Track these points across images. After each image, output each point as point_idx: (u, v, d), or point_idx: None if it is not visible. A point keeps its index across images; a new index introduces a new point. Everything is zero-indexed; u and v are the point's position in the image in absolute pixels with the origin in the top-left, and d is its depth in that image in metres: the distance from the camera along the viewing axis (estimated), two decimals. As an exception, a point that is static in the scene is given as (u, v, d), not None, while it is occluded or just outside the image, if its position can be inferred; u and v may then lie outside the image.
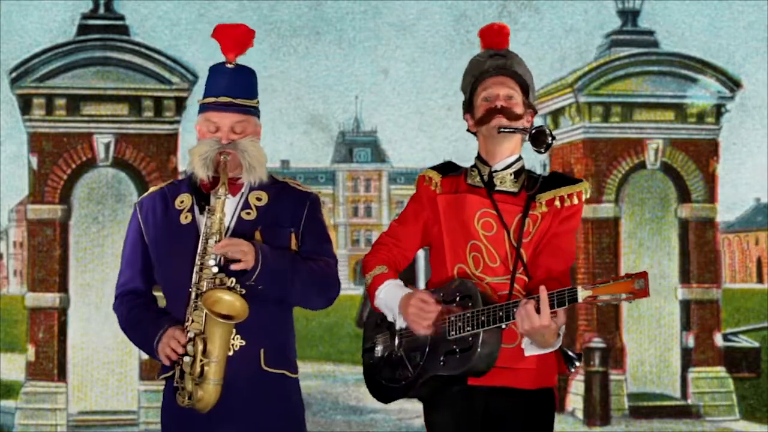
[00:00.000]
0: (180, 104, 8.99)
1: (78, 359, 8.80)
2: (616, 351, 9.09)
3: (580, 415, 8.96)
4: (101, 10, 8.99)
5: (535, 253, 3.84)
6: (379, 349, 3.99)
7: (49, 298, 8.84)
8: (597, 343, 8.97)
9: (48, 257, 8.89)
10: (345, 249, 9.83)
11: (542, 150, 3.74)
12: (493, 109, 3.85)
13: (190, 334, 3.68)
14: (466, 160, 4.07)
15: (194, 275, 3.72)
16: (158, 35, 8.94)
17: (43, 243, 8.88)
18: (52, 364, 8.78)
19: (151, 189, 3.98)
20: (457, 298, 3.76)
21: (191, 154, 3.80)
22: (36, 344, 8.80)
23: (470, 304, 3.71)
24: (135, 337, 3.89)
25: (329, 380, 8.91)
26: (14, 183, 8.93)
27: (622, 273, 3.59)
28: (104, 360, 8.79)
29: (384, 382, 3.95)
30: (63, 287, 8.86)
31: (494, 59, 3.91)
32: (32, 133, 8.92)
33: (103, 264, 8.82)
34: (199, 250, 3.73)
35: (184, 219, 3.82)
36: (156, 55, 8.95)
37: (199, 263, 3.72)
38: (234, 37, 3.87)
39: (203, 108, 3.84)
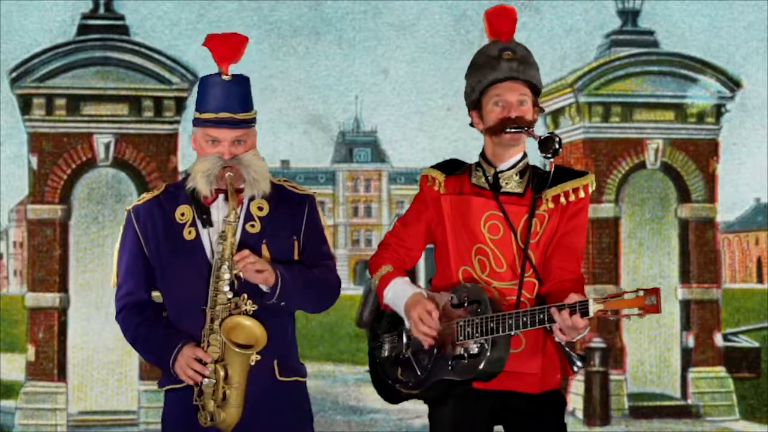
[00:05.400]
0: (180, 104, 8.99)
1: (78, 359, 8.80)
2: (616, 351, 9.09)
3: (580, 415, 8.96)
4: (101, 10, 8.98)
5: (546, 256, 3.82)
6: (386, 348, 3.99)
7: (49, 298, 8.84)
8: (597, 343, 8.97)
9: (48, 257, 8.88)
10: (345, 249, 9.82)
11: (549, 156, 3.71)
12: (507, 119, 3.80)
13: (210, 359, 3.69)
14: (466, 160, 4.06)
15: (209, 299, 3.72)
16: (158, 35, 8.93)
17: (43, 243, 8.88)
18: (52, 364, 8.78)
19: (144, 196, 3.93)
20: (466, 303, 3.75)
21: (193, 171, 3.78)
22: (36, 344, 8.79)
23: (479, 309, 3.70)
24: (146, 353, 3.89)
25: (329, 380, 8.91)
26: (14, 183, 8.93)
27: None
28: (104, 360, 8.79)
29: (390, 382, 3.96)
30: (63, 287, 8.86)
31: (506, 59, 3.82)
32: (32, 133, 8.92)
33: (103, 264, 8.81)
34: (212, 278, 3.72)
35: (188, 235, 3.81)
36: (156, 55, 8.94)
37: (213, 289, 3.71)
38: (228, 46, 3.82)
39: (201, 122, 3.79)
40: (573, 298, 3.57)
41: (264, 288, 3.75)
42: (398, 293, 3.87)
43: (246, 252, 3.70)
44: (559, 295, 3.66)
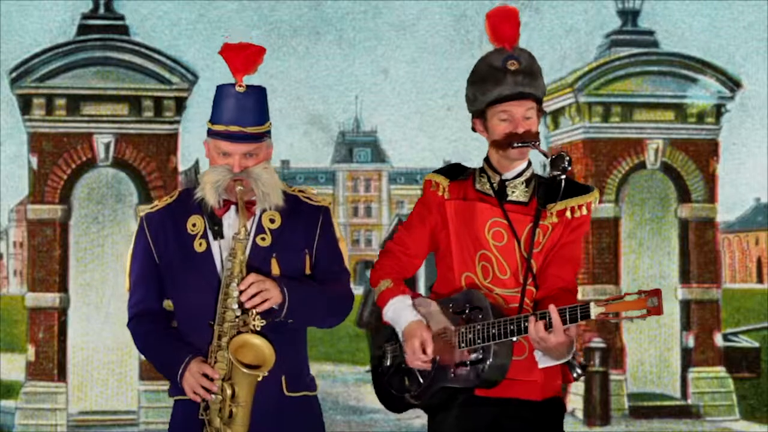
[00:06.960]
0: (180, 104, 8.99)
1: (78, 359, 8.80)
2: (616, 351, 9.09)
3: (580, 415, 8.96)
4: (101, 10, 8.99)
5: (544, 263, 3.82)
6: (388, 357, 3.98)
7: (49, 298, 8.84)
8: (597, 343, 8.97)
9: (48, 257, 8.89)
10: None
11: (559, 173, 3.72)
12: (514, 134, 3.78)
13: (217, 375, 3.67)
14: (466, 160, 4.05)
15: (217, 315, 3.69)
16: (158, 35, 8.93)
17: (43, 243, 8.88)
18: (52, 364, 8.78)
19: (157, 203, 3.90)
20: (467, 310, 3.74)
21: (202, 181, 3.74)
22: (36, 344, 8.80)
23: (480, 315, 3.70)
24: (155, 362, 3.87)
25: (329, 380, 8.91)
26: (14, 183, 8.93)
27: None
28: (104, 360, 8.79)
29: (393, 391, 3.95)
30: (63, 287, 8.86)
31: (511, 71, 3.77)
32: (32, 133, 8.92)
33: (103, 264, 8.82)
34: (220, 295, 3.69)
35: (199, 246, 3.78)
36: (156, 55, 8.94)
37: (221, 305, 3.69)
38: (242, 57, 3.75)
39: (212, 134, 3.75)
40: (551, 308, 3.55)
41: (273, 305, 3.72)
42: (397, 315, 3.86)
43: (250, 288, 3.65)
44: (548, 303, 3.65)
